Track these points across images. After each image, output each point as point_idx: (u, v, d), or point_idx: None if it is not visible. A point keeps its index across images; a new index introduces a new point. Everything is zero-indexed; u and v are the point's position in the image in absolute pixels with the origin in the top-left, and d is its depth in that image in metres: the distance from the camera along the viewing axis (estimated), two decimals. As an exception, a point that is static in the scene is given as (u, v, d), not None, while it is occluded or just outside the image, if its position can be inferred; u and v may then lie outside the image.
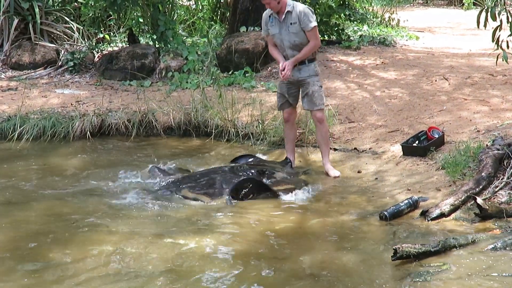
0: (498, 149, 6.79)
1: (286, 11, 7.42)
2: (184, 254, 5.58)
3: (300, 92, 7.69)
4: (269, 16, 7.58)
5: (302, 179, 7.40)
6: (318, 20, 7.49)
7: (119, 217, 6.40)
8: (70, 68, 12.29)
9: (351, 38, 14.26)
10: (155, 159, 8.18)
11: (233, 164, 7.66)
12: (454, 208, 6.09)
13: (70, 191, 7.21)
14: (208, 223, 6.25)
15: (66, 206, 6.74)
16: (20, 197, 7.07)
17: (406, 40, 15.15)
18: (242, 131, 9.06)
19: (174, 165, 7.93)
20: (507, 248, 5.30)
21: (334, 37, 14.04)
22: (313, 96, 7.56)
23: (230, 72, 11.45)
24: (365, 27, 15.63)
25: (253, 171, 7.25)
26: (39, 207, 6.76)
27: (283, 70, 7.41)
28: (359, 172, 7.64)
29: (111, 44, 13.66)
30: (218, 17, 16.08)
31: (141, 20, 13.97)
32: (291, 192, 6.98)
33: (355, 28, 15.42)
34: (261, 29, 11.20)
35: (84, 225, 6.23)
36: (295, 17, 7.40)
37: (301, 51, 7.43)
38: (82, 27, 13.50)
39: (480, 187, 6.30)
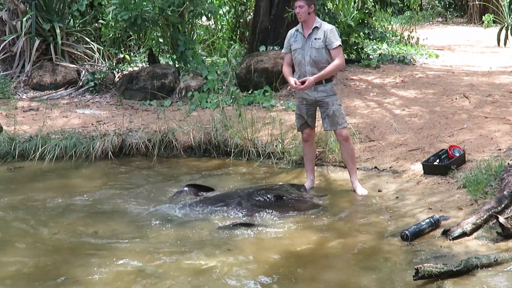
0: (520, 168, 6.75)
1: (313, 26, 7.47)
2: (205, 273, 5.58)
3: (320, 114, 7.67)
4: (296, 31, 7.60)
5: (319, 203, 7.35)
6: (337, 39, 7.59)
7: (140, 236, 6.42)
8: (90, 88, 12.39)
9: (370, 56, 14.28)
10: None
11: (250, 190, 7.60)
12: (476, 227, 6.04)
13: (91, 210, 7.24)
14: (229, 243, 6.23)
15: (87, 225, 6.77)
16: (42, 216, 7.11)
17: (426, 58, 15.13)
18: (262, 150, 9.06)
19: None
20: (530, 268, 5.26)
21: (353, 56, 14.07)
22: (335, 116, 7.55)
23: (249, 91, 11.48)
24: (385, 46, 15.65)
25: (270, 196, 7.24)
26: (61, 226, 6.79)
27: (302, 83, 7.37)
28: (379, 191, 7.61)
29: (131, 64, 13.76)
30: (238, 36, 16.16)
31: (161, 40, 14.08)
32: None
33: (375, 47, 15.44)
34: (280, 48, 11.23)
35: (105, 244, 6.26)
36: (321, 33, 7.44)
37: (320, 70, 7.43)
38: (102, 48, 13.61)
39: (502, 205, 6.23)
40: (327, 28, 7.50)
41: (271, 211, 6.97)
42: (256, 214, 6.91)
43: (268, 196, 7.23)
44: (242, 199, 7.16)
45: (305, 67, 7.49)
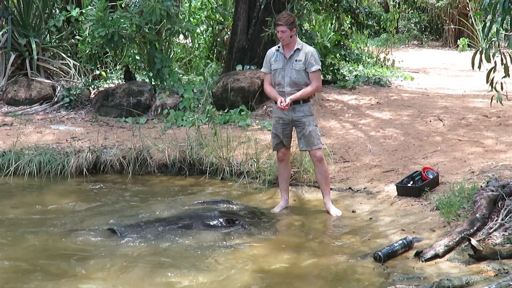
0: (493, 190, 6.79)
1: (295, 48, 7.50)
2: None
3: (296, 133, 7.69)
4: (276, 51, 7.62)
5: (274, 228, 7.28)
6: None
7: (112, 255, 6.36)
8: (66, 104, 12.32)
9: (346, 78, 14.35)
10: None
11: (206, 212, 7.54)
12: (449, 249, 6.06)
13: (63, 228, 7.17)
14: (202, 262, 6.21)
15: (58, 244, 6.70)
16: (11, 233, 7.02)
17: (401, 80, 15.25)
18: (237, 170, 9.06)
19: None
20: (502, 291, 5.27)
21: (329, 77, 14.13)
22: (311, 136, 7.57)
23: (225, 110, 11.49)
24: (360, 67, 15.76)
25: (221, 220, 7.21)
26: (31, 244, 6.72)
27: (282, 103, 7.37)
28: (353, 212, 7.63)
29: (107, 81, 13.71)
30: (215, 55, 16.19)
31: (137, 57, 14.05)
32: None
33: (350, 68, 15.54)
34: (257, 68, 11.22)
35: (76, 263, 6.19)
36: (302, 55, 7.46)
37: (299, 90, 7.46)
38: (78, 64, 13.56)
39: (475, 228, 6.28)
40: (308, 50, 7.53)
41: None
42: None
43: (220, 220, 7.22)
44: (193, 221, 7.16)
45: (284, 88, 7.51)
